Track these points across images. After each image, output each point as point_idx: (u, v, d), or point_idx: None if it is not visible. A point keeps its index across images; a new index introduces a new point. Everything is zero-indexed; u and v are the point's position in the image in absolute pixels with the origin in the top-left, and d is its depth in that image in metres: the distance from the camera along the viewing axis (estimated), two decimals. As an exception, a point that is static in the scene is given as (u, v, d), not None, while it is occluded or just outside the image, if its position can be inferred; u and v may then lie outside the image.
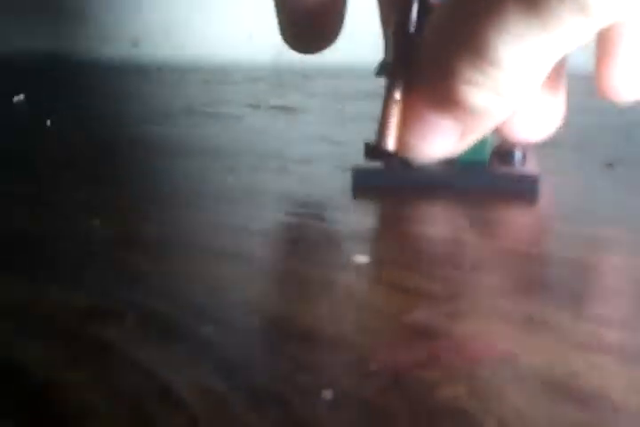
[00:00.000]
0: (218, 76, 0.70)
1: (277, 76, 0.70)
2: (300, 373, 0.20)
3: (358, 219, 0.32)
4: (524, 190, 0.36)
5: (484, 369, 0.20)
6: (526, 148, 0.38)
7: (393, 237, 0.31)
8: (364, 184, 0.37)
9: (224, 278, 0.26)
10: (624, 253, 0.28)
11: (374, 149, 0.38)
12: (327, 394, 0.19)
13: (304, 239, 0.30)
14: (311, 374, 0.19)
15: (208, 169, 0.39)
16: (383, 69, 0.37)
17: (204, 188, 0.36)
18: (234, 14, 0.75)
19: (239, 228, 0.31)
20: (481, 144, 0.35)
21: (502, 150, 0.38)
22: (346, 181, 0.36)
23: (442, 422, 0.17)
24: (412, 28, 0.34)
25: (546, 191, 0.35)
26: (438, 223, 0.34)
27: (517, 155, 0.37)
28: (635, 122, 0.51)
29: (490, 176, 0.37)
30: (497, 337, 0.22)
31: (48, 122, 0.48)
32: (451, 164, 0.36)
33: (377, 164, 0.37)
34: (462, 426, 0.17)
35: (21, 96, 0.57)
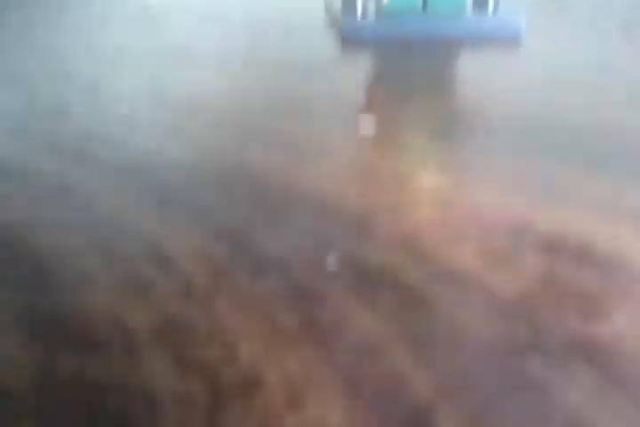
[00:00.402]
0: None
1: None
2: (302, 237, 0.19)
3: (357, 82, 0.31)
4: (508, 34, 0.37)
5: (498, 237, 0.19)
6: None
7: (396, 99, 0.29)
8: (352, 37, 0.37)
9: (217, 146, 0.25)
10: (628, 111, 0.27)
11: (354, 5, 0.37)
12: (330, 261, 0.18)
13: (308, 105, 0.28)
14: (313, 238, 0.19)
15: (206, 34, 0.37)
16: None
17: (200, 52, 0.35)
18: None
19: (236, 92, 0.29)
20: None
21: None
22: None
23: (445, 284, 0.17)
24: None
25: (556, 54, 0.34)
26: (442, 78, 0.32)
27: (491, 2, 0.38)
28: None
29: (472, 23, 0.38)
30: (512, 203, 0.21)
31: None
32: (431, 14, 0.38)
33: (361, 18, 0.37)
34: (467, 289, 0.17)
35: None
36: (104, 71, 0.31)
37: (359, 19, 0.37)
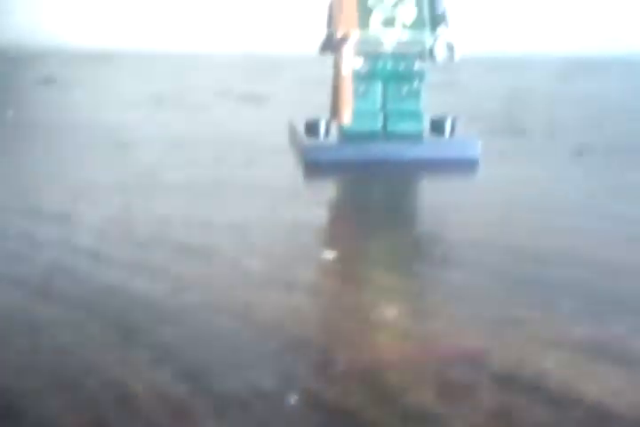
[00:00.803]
0: (186, 61, 0.69)
1: (248, 63, 0.69)
2: (265, 376, 0.19)
3: (319, 210, 0.32)
4: (466, 156, 0.39)
5: (454, 370, 0.19)
6: (455, 117, 0.40)
7: (357, 229, 0.30)
8: (313, 160, 0.38)
9: (184, 278, 0.25)
10: (591, 243, 0.28)
11: (313, 126, 0.39)
12: (292, 398, 0.18)
13: (268, 232, 0.29)
14: (276, 377, 0.19)
15: (171, 160, 0.39)
16: (328, 44, 0.37)
17: (166, 178, 0.36)
18: (204, 2, 0.74)
19: (206, 221, 0.30)
20: (416, 115, 0.39)
21: (435, 121, 0.40)
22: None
23: (404, 421, 0.17)
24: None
25: (513, 179, 0.35)
26: (402, 206, 0.33)
27: (449, 124, 0.40)
28: (606, 109, 0.51)
29: (429, 145, 0.39)
30: (468, 336, 0.21)
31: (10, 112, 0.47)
32: (389, 137, 0.39)
33: (323, 140, 0.39)
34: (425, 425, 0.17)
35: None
36: (72, 203, 0.32)
37: (321, 142, 0.39)
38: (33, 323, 0.22)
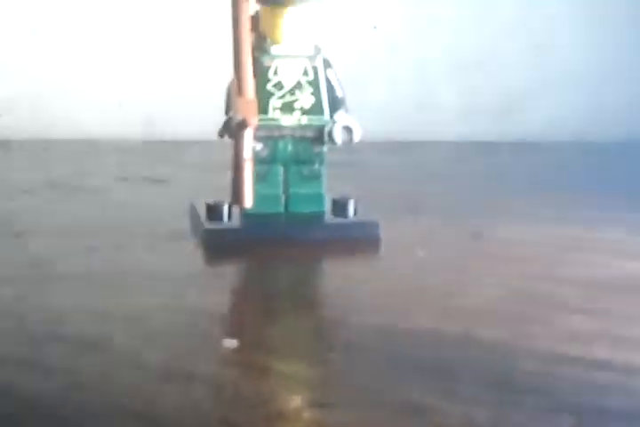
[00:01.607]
0: (85, 147, 0.68)
1: (148, 147, 0.69)
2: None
3: (220, 296, 0.32)
4: (367, 237, 0.39)
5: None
6: (357, 199, 0.41)
7: (259, 315, 0.30)
8: (215, 244, 0.38)
9: (81, 375, 0.24)
10: (485, 324, 0.29)
11: (215, 209, 0.39)
12: None
13: (168, 322, 0.29)
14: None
15: (68, 248, 0.38)
16: (227, 129, 0.38)
17: (64, 269, 0.35)
18: (103, 82, 0.74)
19: (104, 314, 0.29)
20: (317, 197, 0.40)
21: (336, 202, 0.41)
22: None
23: None
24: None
25: (413, 261, 0.36)
26: (304, 291, 0.33)
27: (350, 205, 0.40)
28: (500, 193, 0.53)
29: (331, 226, 0.40)
30: (370, 422, 0.21)
31: None
32: (292, 219, 0.40)
33: (227, 223, 0.39)
34: None
35: None
36: None
37: (223, 225, 0.39)
38: None
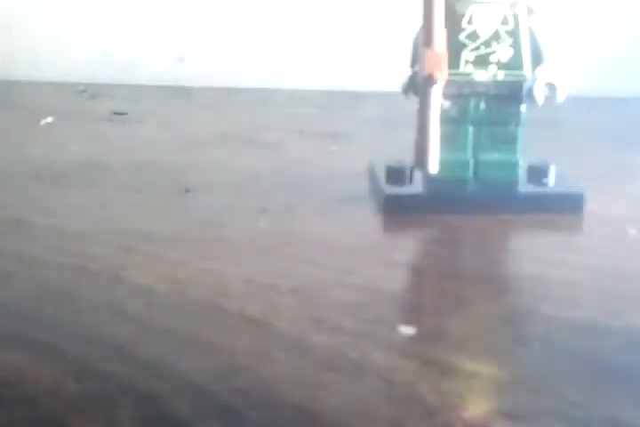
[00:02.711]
0: (265, 95, 0.67)
1: (327, 99, 0.67)
2: None
3: (397, 272, 0.29)
4: (569, 210, 0.35)
5: None
6: (558, 165, 0.36)
7: (440, 299, 0.27)
8: (395, 211, 0.35)
9: (242, 352, 0.23)
10: None
11: (400, 174, 0.36)
12: None
13: (336, 301, 0.26)
14: None
15: (237, 208, 0.36)
16: (412, 85, 0.35)
17: (229, 231, 0.33)
18: (281, 32, 0.72)
19: (267, 286, 0.28)
20: (512, 163, 0.36)
21: (533, 168, 0.36)
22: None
23: None
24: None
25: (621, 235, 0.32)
26: (494, 272, 0.30)
27: (550, 172, 0.36)
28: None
29: (527, 196, 0.36)
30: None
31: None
32: (481, 187, 0.36)
33: (409, 188, 0.36)
34: None
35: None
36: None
37: (405, 189, 0.36)
38: None
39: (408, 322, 0.25)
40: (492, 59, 0.35)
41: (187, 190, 0.39)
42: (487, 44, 0.35)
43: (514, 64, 0.35)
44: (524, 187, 0.36)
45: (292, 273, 0.29)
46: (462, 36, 0.35)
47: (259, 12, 0.72)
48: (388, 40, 0.66)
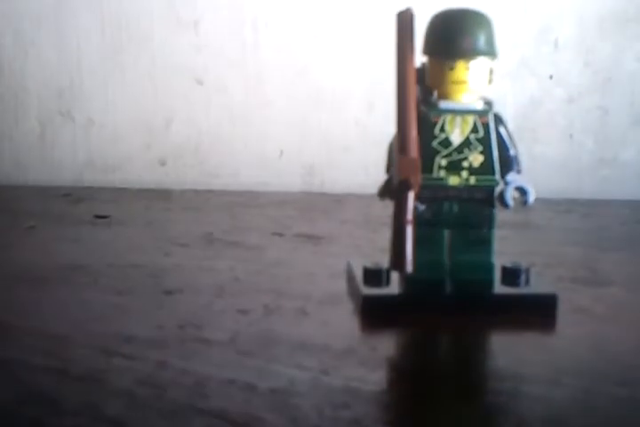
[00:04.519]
0: (244, 199, 0.69)
1: (307, 200, 0.69)
2: None
3: (374, 373, 0.30)
4: (542, 311, 0.36)
5: None
6: (531, 267, 0.38)
7: (419, 400, 0.28)
8: (372, 311, 0.36)
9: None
10: None
11: (376, 275, 0.37)
12: None
13: (314, 402, 0.27)
14: None
15: (217, 310, 0.37)
16: (387, 190, 0.36)
17: (210, 333, 0.34)
18: (262, 133, 0.75)
19: (248, 386, 0.28)
20: (486, 265, 0.37)
21: (508, 270, 0.37)
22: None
23: None
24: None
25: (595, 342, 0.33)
26: (471, 371, 0.31)
27: (523, 274, 0.37)
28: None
29: (501, 297, 0.37)
30: None
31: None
32: (456, 285, 0.37)
33: (385, 289, 0.37)
34: None
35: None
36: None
37: (382, 290, 0.37)
38: None
39: (386, 423, 0.25)
40: (464, 164, 0.37)
41: (167, 292, 0.40)
42: (459, 150, 0.37)
43: (485, 170, 0.37)
44: (498, 287, 0.37)
45: (271, 374, 0.29)
46: (435, 143, 0.37)
47: (238, 114, 0.74)
48: (367, 142, 0.69)
